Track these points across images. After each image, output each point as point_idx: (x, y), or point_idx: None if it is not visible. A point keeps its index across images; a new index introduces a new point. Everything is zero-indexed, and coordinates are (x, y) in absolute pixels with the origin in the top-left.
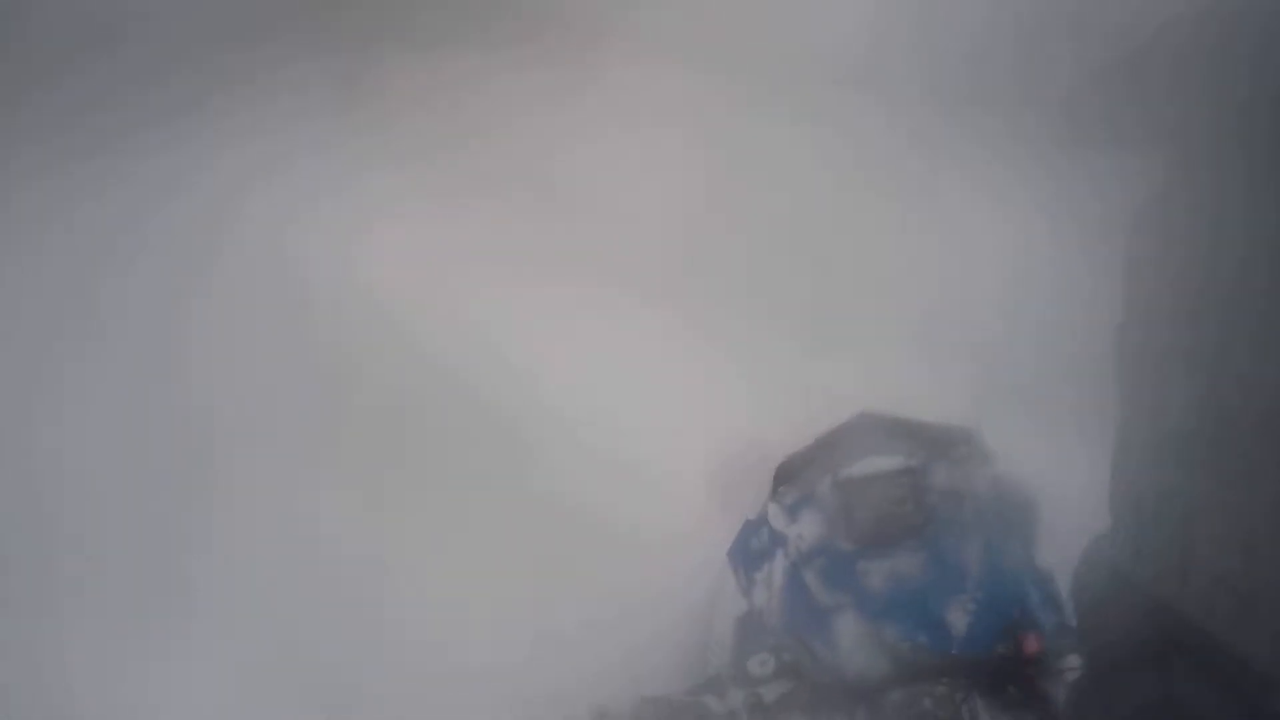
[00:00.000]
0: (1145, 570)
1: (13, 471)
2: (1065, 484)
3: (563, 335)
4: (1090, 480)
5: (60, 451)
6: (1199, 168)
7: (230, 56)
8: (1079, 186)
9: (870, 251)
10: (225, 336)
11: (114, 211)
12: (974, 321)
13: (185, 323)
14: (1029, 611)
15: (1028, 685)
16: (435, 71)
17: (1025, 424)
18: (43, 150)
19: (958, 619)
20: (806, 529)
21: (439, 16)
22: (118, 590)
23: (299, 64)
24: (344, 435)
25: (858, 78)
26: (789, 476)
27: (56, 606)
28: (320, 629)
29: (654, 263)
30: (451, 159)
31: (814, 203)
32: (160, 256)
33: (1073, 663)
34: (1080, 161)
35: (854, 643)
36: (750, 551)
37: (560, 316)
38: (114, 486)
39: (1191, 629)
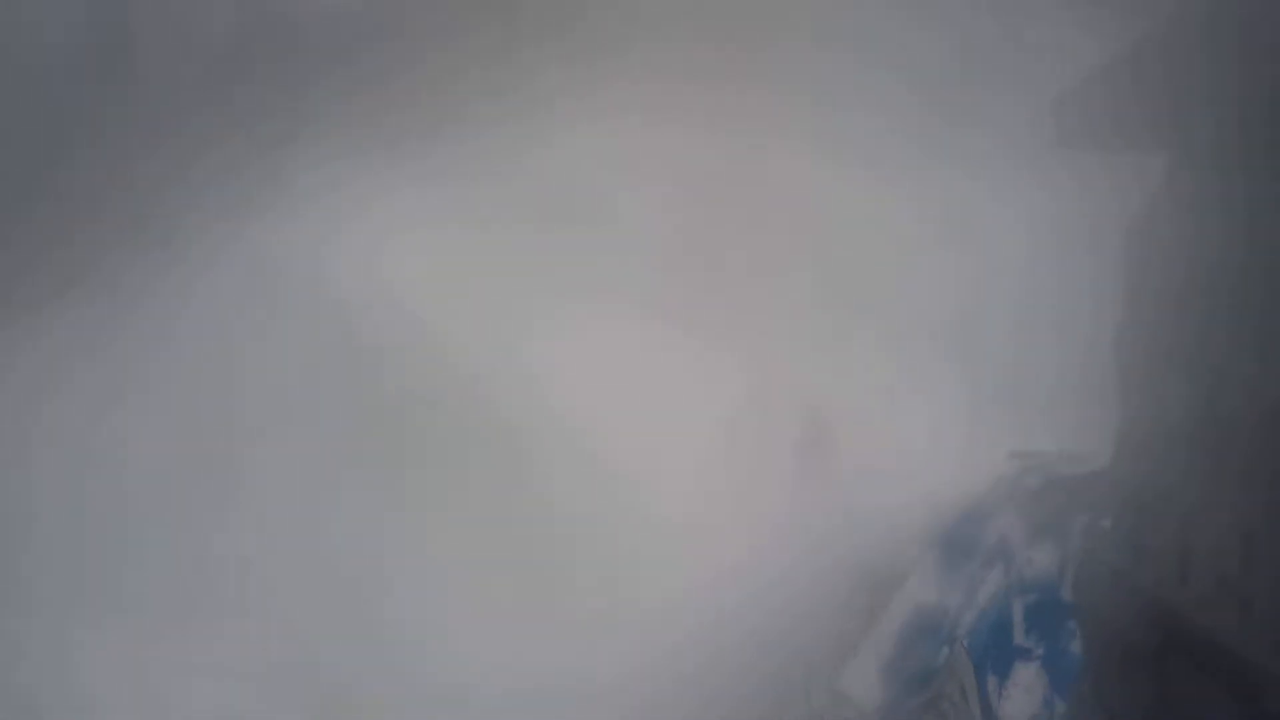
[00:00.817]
0: (1145, 570)
1: (32, 473)
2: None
3: (584, 346)
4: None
5: (82, 454)
6: (1198, 168)
7: (262, 69)
8: (1077, 187)
9: (869, 257)
10: (248, 342)
11: (142, 218)
12: (972, 323)
13: (210, 328)
14: None
15: None
16: (462, 95)
17: (1024, 425)
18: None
19: None
20: (1040, 558)
21: (462, 44)
22: (135, 591)
23: (332, 80)
24: (363, 442)
25: (853, 80)
26: (1046, 496)
27: (74, 607)
28: (336, 634)
29: (672, 275)
30: (479, 177)
31: (813, 210)
32: (186, 261)
33: None
34: (1079, 162)
35: (1024, 697)
36: (965, 545)
37: (581, 328)
38: (135, 489)
39: (1191, 629)
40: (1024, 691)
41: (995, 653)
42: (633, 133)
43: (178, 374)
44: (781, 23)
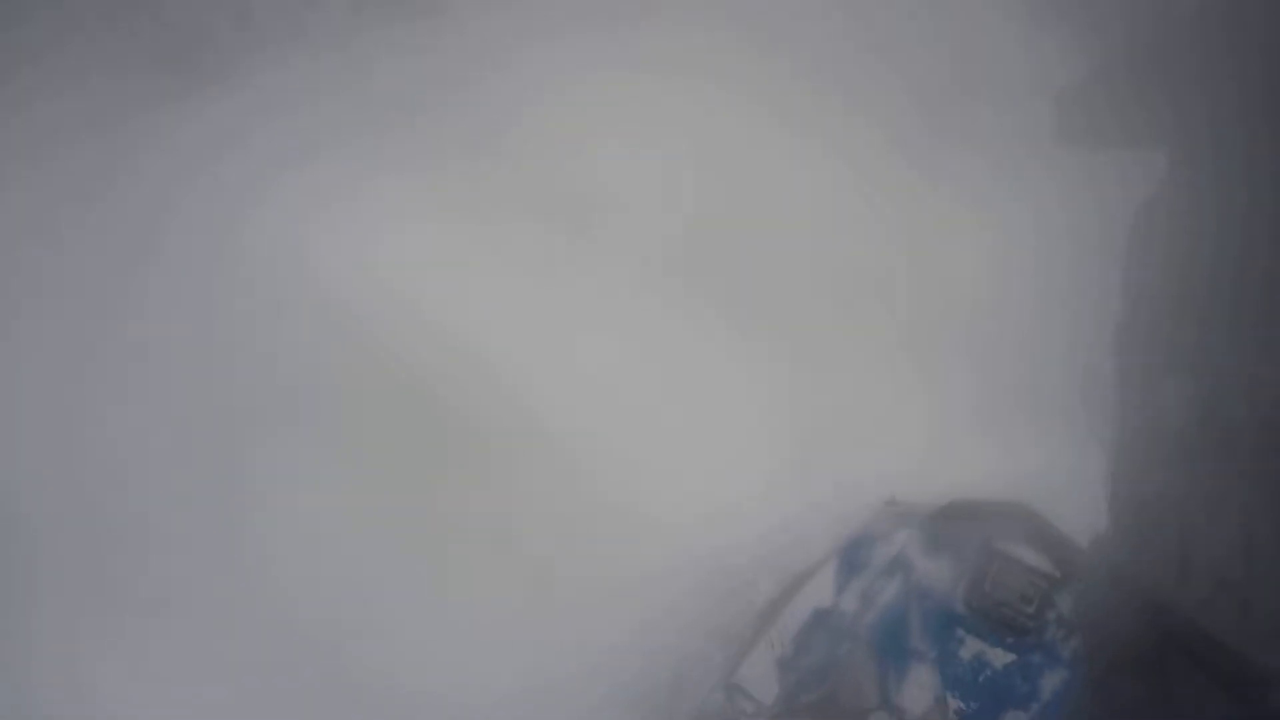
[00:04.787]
0: (1145, 570)
1: (32, 473)
2: (1065, 484)
3: (574, 334)
4: (1090, 481)
5: (82, 454)
6: (1199, 166)
7: (246, 59)
8: (1078, 186)
9: (870, 255)
10: (240, 335)
11: (133, 213)
12: (973, 323)
13: (199, 320)
14: None
15: None
16: (444, 77)
17: (1025, 425)
18: (62, 158)
19: None
20: (936, 570)
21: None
22: (141, 589)
23: (315, 69)
24: (356, 433)
25: (864, 76)
26: (947, 515)
27: (79, 605)
28: (340, 630)
29: (662, 264)
30: (466, 162)
31: (814, 208)
32: (176, 257)
33: None
34: (1079, 162)
35: (918, 693)
36: (861, 558)
37: (571, 316)
38: (137, 489)
39: (1191, 629)
40: (918, 689)
41: (892, 653)
42: (637, 121)
43: (175, 373)
44: (791, 18)
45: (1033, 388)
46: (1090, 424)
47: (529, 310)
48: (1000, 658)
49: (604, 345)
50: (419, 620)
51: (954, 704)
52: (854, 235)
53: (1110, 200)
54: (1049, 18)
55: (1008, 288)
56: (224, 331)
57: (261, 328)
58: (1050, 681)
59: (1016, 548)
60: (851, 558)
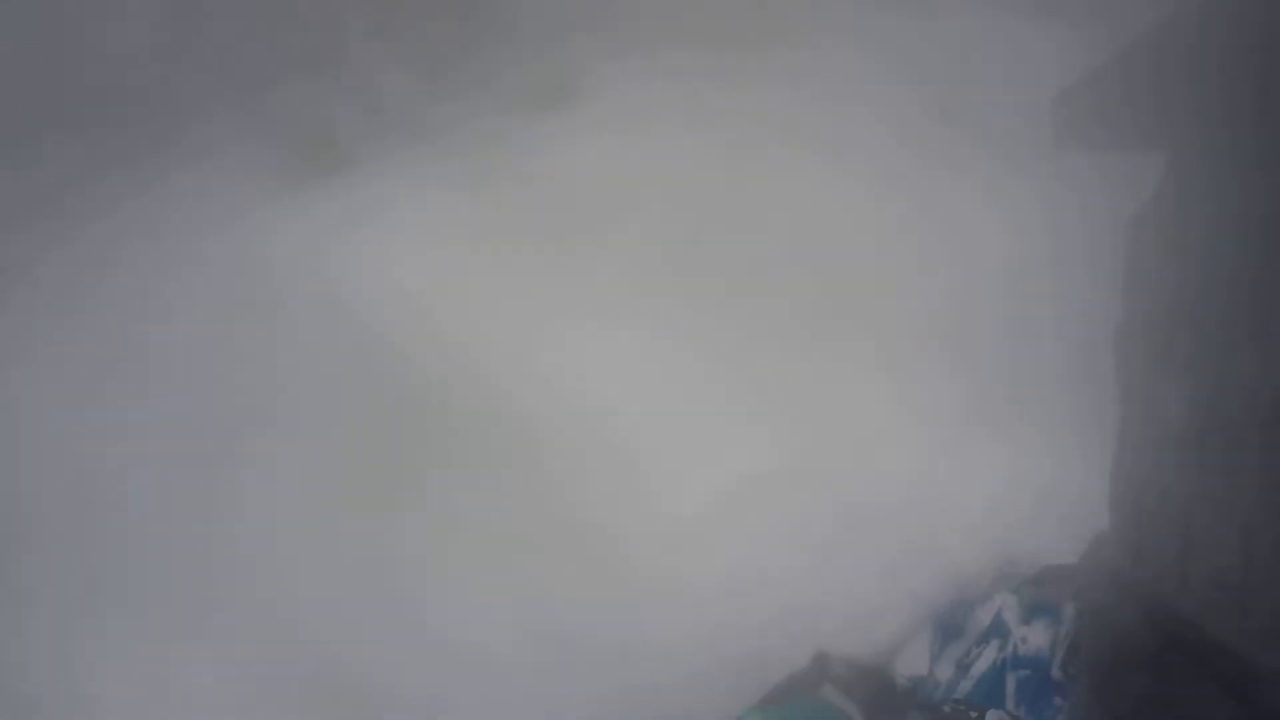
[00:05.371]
0: (1145, 570)
1: (33, 469)
2: (1064, 484)
3: (596, 347)
4: (1089, 480)
5: (81, 451)
6: (1195, 167)
7: (270, 76)
8: (1074, 187)
9: (869, 257)
10: (252, 345)
11: (155, 219)
12: (971, 324)
13: (218, 326)
14: None
15: None
16: (467, 100)
17: (1024, 425)
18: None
19: None
20: (1033, 637)
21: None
22: (134, 589)
23: (339, 86)
24: (373, 442)
25: (849, 84)
26: (1041, 579)
27: (76, 606)
28: (337, 630)
29: (677, 279)
30: (489, 181)
31: (814, 210)
32: (200, 268)
33: None
34: (1075, 163)
35: None
36: (957, 624)
37: (582, 325)
38: (133, 487)
39: (1191, 629)
40: None
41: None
42: (638, 135)
43: (183, 373)
44: (778, 25)
45: (1032, 391)
46: (1090, 425)
47: (549, 321)
48: None
49: (620, 353)
50: (430, 617)
51: None
52: (848, 244)
53: (1107, 201)
54: (1038, 22)
55: (1003, 293)
56: (240, 332)
57: (276, 330)
58: None
59: None
60: (947, 624)
